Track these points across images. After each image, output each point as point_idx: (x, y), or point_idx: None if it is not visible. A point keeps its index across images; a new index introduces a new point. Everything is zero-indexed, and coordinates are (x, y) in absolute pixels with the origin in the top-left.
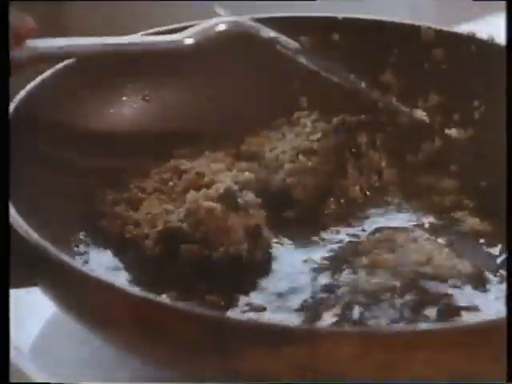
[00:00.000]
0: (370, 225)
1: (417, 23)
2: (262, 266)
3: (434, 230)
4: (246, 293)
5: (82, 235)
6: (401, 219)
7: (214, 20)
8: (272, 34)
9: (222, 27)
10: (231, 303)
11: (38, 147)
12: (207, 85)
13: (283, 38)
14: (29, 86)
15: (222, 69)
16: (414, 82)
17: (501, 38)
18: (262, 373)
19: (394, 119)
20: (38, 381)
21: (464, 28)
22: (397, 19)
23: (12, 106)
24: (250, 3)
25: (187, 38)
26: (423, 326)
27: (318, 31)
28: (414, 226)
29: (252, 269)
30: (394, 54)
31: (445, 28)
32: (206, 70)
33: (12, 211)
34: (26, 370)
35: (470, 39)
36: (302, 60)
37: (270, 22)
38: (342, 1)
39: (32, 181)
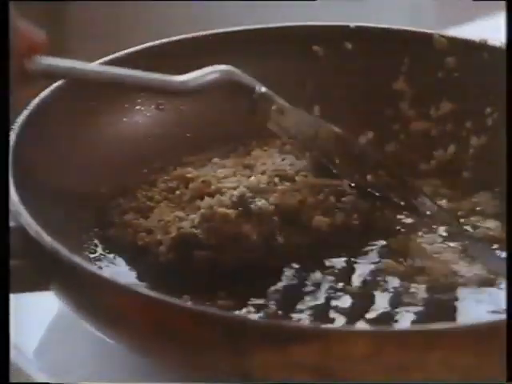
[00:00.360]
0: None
1: (429, 31)
2: (275, 272)
3: (448, 236)
4: (258, 298)
5: (94, 243)
6: (415, 225)
7: (213, 68)
8: (269, 93)
9: (222, 76)
10: (243, 308)
11: (50, 155)
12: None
13: (279, 99)
14: (42, 94)
15: None
16: (427, 90)
17: (501, 39)
18: (275, 374)
19: (407, 127)
20: (38, 381)
21: (465, 29)
22: (409, 27)
23: (25, 114)
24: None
25: (189, 81)
26: (436, 325)
27: (331, 40)
28: (427, 231)
29: (265, 275)
30: (406, 62)
31: (457, 35)
32: None
33: (25, 215)
34: (25, 370)
35: (482, 46)
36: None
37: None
38: (341, 1)
39: (44, 189)
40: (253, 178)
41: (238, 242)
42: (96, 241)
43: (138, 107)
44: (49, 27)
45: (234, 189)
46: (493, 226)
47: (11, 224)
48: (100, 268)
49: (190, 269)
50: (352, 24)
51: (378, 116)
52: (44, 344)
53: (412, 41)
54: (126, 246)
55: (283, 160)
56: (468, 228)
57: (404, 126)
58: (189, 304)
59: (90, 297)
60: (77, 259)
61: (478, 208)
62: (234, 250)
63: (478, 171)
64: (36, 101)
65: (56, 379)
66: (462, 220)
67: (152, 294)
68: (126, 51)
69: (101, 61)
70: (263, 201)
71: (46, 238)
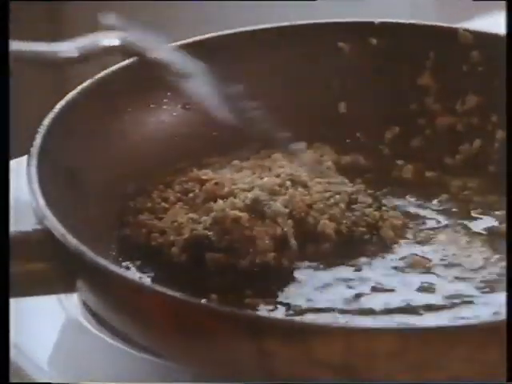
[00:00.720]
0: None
1: (454, 25)
2: (288, 275)
3: (473, 230)
4: (271, 301)
5: (111, 244)
6: (441, 220)
7: (103, 34)
8: (162, 55)
9: (114, 43)
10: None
11: (75, 156)
12: (247, 94)
13: (174, 64)
14: (69, 95)
15: (262, 77)
16: (452, 85)
17: None
18: (299, 372)
19: (433, 122)
20: (38, 381)
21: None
22: (434, 22)
23: (51, 116)
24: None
25: (72, 50)
26: (461, 322)
27: (356, 36)
28: (454, 225)
29: (277, 278)
30: (431, 57)
31: (482, 30)
32: (245, 77)
33: (50, 217)
34: (25, 370)
35: (507, 39)
36: (192, 86)
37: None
38: (341, 1)
39: (69, 191)
40: (265, 179)
41: (250, 245)
42: (112, 242)
43: (164, 107)
44: (46, 27)
45: (247, 191)
46: None
47: (36, 226)
48: (127, 269)
49: (201, 270)
50: (377, 20)
51: (404, 111)
52: (57, 352)
53: (436, 35)
54: (139, 246)
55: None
56: (494, 222)
57: (430, 121)
58: (213, 304)
59: (116, 298)
60: (102, 261)
61: (503, 202)
62: (245, 253)
63: (504, 165)
64: (62, 102)
65: (56, 379)
66: (492, 213)
67: (177, 295)
68: None
69: None
70: (277, 204)
71: (72, 241)
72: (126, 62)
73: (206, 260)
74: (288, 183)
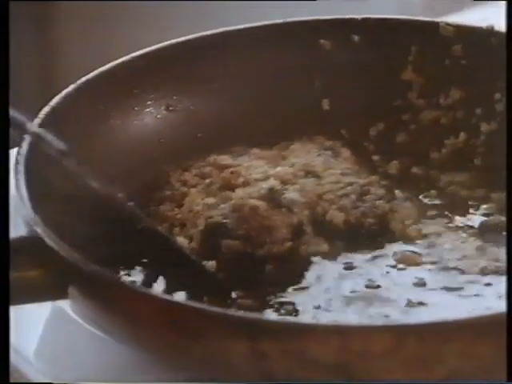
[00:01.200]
0: None
1: (435, 19)
2: (302, 265)
3: (462, 224)
4: (282, 292)
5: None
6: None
7: None
8: (37, 130)
9: None
10: (264, 302)
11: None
12: (231, 90)
13: (49, 137)
14: (52, 103)
15: (245, 76)
16: (435, 79)
17: None
18: (294, 372)
19: (417, 117)
20: (38, 381)
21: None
22: (414, 17)
23: (36, 123)
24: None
25: None
26: (455, 316)
27: (338, 33)
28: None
29: (292, 268)
30: (413, 52)
31: (464, 23)
32: (228, 74)
33: (40, 224)
34: (25, 370)
35: (489, 32)
36: (67, 163)
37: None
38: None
39: (58, 198)
40: (278, 168)
41: (268, 234)
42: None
43: (147, 109)
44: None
45: (261, 180)
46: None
47: (26, 234)
48: (118, 274)
49: (217, 258)
50: (358, 16)
51: (388, 107)
52: (43, 344)
53: (418, 30)
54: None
55: (318, 156)
56: (483, 215)
57: (414, 116)
58: (205, 306)
59: (109, 304)
60: (95, 267)
61: (490, 195)
62: (263, 242)
63: (490, 158)
64: (46, 109)
65: (56, 379)
66: (476, 208)
67: (168, 297)
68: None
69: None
70: (293, 193)
71: (63, 247)
72: (109, 65)
73: (221, 247)
74: (301, 173)
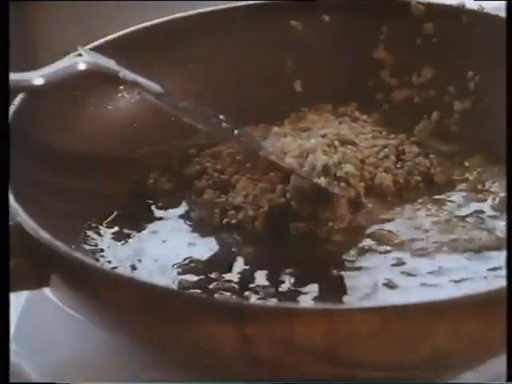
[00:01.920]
0: None
1: None
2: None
3: (440, 204)
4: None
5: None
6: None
7: (74, 59)
8: (133, 77)
9: (81, 67)
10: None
11: (40, 150)
12: (204, 72)
13: (145, 82)
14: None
15: (217, 59)
16: (407, 57)
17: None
18: (282, 357)
19: (390, 96)
20: (38, 381)
21: None
22: None
23: (11, 112)
24: None
25: (37, 78)
26: (441, 297)
27: (309, 14)
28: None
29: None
30: (384, 31)
31: (434, 1)
32: (201, 56)
33: (21, 212)
34: (25, 370)
35: (460, 10)
36: (165, 104)
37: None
38: None
39: (38, 185)
40: (313, 141)
41: (331, 209)
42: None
43: (120, 94)
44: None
45: (302, 157)
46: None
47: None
48: (97, 260)
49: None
50: None
51: (361, 87)
52: (21, 326)
53: (389, 9)
54: (215, 227)
55: (340, 124)
56: (458, 195)
57: (387, 95)
58: (194, 292)
59: (92, 291)
60: (76, 253)
61: (465, 174)
62: (327, 219)
63: (464, 136)
64: (20, 98)
65: (56, 379)
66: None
67: (152, 283)
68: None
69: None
70: (348, 165)
71: (44, 235)
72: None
73: (289, 229)
74: (336, 143)
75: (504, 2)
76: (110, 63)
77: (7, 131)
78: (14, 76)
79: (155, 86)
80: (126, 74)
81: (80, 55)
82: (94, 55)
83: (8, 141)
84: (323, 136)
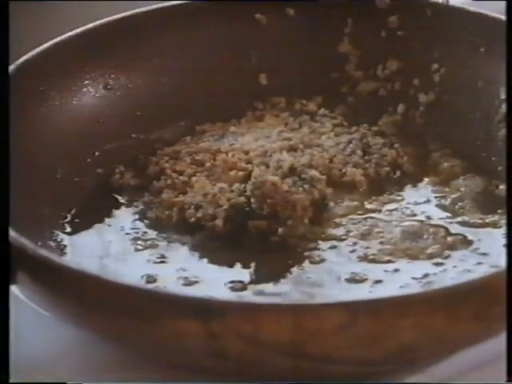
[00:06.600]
0: None
1: None
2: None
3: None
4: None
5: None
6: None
7: None
8: None
9: None
10: None
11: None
12: (169, 67)
13: None
14: None
15: (181, 53)
16: (372, 50)
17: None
18: (248, 353)
19: (355, 89)
20: (37, 381)
21: None
22: None
23: None
24: None
25: None
26: (407, 291)
27: (273, 7)
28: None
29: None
30: (349, 24)
31: None
32: (166, 51)
33: None
34: (25, 370)
35: (425, 3)
36: None
37: None
38: None
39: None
40: (278, 143)
41: (291, 209)
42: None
43: (85, 89)
44: None
45: (264, 156)
46: (456, 182)
47: None
48: (62, 256)
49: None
50: None
51: (326, 80)
52: None
53: (354, 2)
54: (174, 225)
55: (301, 127)
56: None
57: (352, 88)
58: (153, 288)
59: (59, 288)
60: (41, 251)
61: (429, 167)
62: (287, 218)
63: (429, 128)
64: None
65: (56, 379)
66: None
67: (119, 280)
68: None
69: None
70: (314, 171)
71: (13, 233)
72: (46, 45)
73: (248, 227)
74: (301, 146)
75: (504, 2)
76: None
77: (7, 132)
78: None
79: None
80: None
81: None
82: None
83: (8, 143)
84: (288, 139)
